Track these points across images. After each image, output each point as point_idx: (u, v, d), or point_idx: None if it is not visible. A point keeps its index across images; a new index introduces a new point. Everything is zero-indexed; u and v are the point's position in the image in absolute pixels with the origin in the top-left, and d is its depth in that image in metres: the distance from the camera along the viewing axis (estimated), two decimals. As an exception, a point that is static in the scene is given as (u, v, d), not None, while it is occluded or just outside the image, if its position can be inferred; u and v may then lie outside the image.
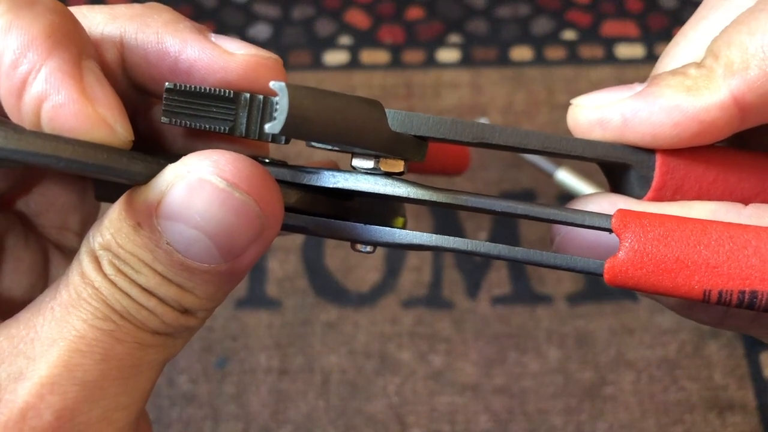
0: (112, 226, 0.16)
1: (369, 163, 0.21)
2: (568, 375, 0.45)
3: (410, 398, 0.45)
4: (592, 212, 0.20)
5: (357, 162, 0.21)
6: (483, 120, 0.52)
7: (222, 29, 0.57)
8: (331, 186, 0.21)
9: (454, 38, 0.57)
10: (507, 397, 0.45)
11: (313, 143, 0.21)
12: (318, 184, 0.21)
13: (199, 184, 0.16)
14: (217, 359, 0.46)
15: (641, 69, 0.55)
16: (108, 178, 0.16)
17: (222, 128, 0.19)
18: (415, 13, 0.58)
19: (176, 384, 0.45)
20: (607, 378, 0.45)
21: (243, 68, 0.19)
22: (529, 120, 0.53)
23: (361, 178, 0.21)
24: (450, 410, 0.45)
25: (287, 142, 0.21)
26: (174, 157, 0.17)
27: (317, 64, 0.56)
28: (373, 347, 0.46)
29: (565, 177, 0.48)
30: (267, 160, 0.21)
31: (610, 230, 0.19)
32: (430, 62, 0.56)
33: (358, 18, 0.58)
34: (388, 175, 0.21)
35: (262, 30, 0.57)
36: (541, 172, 0.50)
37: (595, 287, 0.48)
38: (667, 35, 0.57)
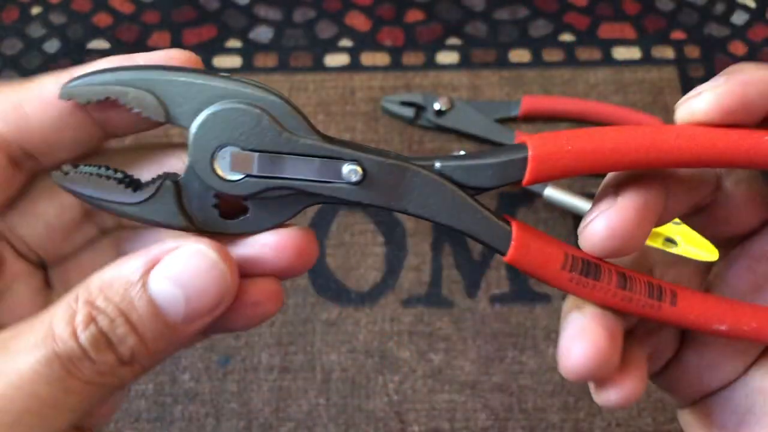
0: (103, 281, 0.18)
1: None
2: (565, 373, 0.46)
3: (410, 396, 0.45)
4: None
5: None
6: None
7: (224, 31, 0.58)
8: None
9: (453, 40, 0.57)
10: (506, 395, 0.45)
11: None
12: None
13: (197, 252, 0.19)
14: (220, 357, 0.46)
15: (638, 71, 0.56)
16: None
17: None
18: (414, 15, 0.59)
19: (179, 382, 0.46)
20: (605, 376, 0.46)
21: None
22: (526, 121, 0.54)
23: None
24: (449, 408, 0.45)
25: None
26: None
27: (318, 66, 0.56)
28: (374, 345, 0.47)
29: (553, 193, 0.48)
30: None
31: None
32: (430, 64, 0.56)
33: (358, 20, 0.58)
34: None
35: (263, 32, 0.58)
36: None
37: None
38: (663, 37, 0.58)
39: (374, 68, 0.56)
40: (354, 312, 0.48)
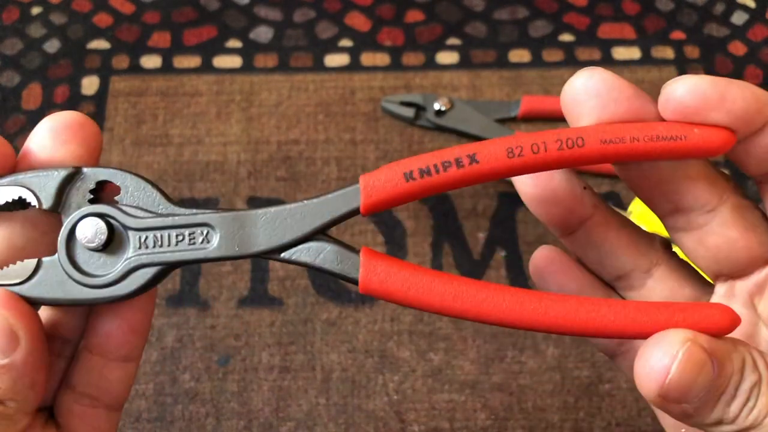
0: None
1: None
2: (565, 373, 0.46)
3: (410, 396, 0.45)
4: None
5: None
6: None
7: (224, 31, 0.58)
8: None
9: (453, 40, 0.58)
10: (505, 395, 0.45)
11: None
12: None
13: None
14: (220, 357, 0.46)
15: (638, 71, 0.56)
16: None
17: None
18: (414, 15, 0.59)
19: (179, 382, 0.46)
20: (604, 376, 0.46)
21: None
22: (526, 121, 0.54)
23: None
24: (449, 407, 0.45)
25: None
26: None
27: (318, 66, 0.56)
28: (374, 345, 0.47)
29: None
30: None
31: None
32: (430, 64, 0.56)
33: (358, 21, 0.59)
34: None
35: (263, 32, 0.58)
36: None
37: (593, 286, 0.48)
38: (663, 37, 0.58)
39: (374, 68, 0.56)
40: (354, 312, 0.48)
